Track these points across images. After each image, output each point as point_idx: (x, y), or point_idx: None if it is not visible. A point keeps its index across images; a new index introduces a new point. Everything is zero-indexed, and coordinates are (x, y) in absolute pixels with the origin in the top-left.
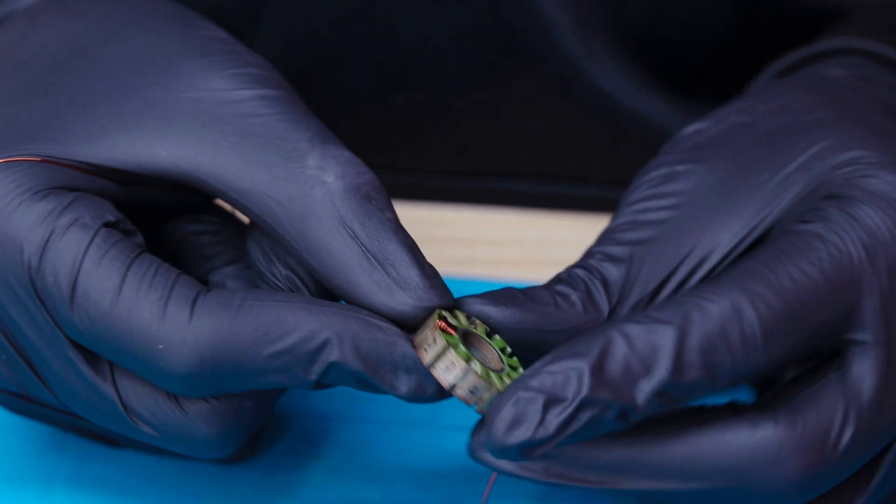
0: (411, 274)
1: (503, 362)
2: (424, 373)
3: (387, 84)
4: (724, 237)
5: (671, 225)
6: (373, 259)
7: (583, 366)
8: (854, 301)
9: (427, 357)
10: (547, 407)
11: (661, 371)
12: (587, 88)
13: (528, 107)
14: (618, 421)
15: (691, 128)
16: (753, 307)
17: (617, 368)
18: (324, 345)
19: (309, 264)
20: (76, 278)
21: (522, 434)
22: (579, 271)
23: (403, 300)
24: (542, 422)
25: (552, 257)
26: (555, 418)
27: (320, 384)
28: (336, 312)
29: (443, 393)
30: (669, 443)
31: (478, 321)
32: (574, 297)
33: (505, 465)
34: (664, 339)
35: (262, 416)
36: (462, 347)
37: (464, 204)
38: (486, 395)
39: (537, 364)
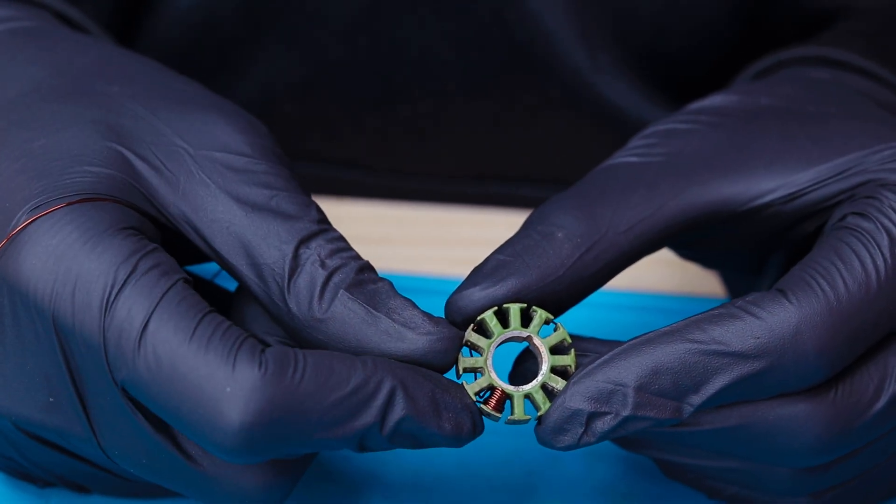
0: (415, 313)
1: (543, 354)
2: (462, 408)
3: (391, 95)
4: (726, 188)
5: (669, 167)
6: (377, 314)
7: (630, 381)
8: None
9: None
10: (591, 419)
11: (710, 389)
12: (591, 99)
13: (532, 117)
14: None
15: (693, 104)
16: (812, 332)
17: (666, 386)
18: (380, 386)
19: (312, 336)
20: (150, 319)
21: (568, 441)
22: (562, 203)
23: (416, 338)
24: (585, 432)
25: None
26: (599, 429)
27: (364, 447)
28: (381, 360)
29: (476, 429)
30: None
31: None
32: (559, 234)
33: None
34: (718, 361)
35: (308, 462)
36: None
37: (465, 205)
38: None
39: (590, 368)
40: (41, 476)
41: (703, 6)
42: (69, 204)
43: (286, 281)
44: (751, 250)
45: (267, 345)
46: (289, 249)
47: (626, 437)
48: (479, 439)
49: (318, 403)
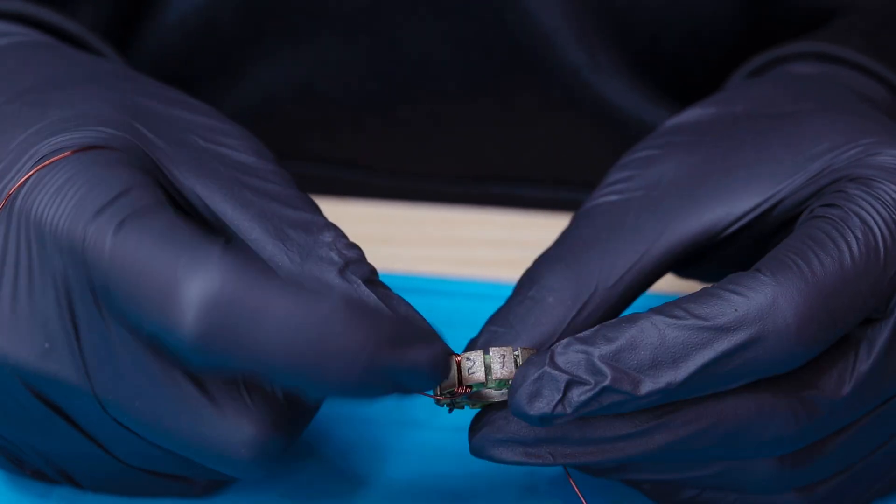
0: (425, 325)
1: None
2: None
3: (391, 96)
4: (705, 215)
5: (649, 203)
6: (390, 313)
7: (608, 352)
8: (887, 280)
9: (452, 383)
10: (569, 387)
11: (690, 367)
12: (591, 99)
13: (532, 118)
14: (640, 407)
15: (670, 121)
16: (790, 304)
17: (644, 360)
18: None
19: None
20: (123, 223)
21: (543, 407)
22: (551, 264)
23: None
24: (562, 400)
25: None
26: (575, 398)
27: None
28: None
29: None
30: (672, 412)
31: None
32: (550, 298)
33: (509, 456)
34: (697, 335)
35: (298, 429)
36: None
37: (465, 205)
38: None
39: (568, 340)
40: (31, 460)
41: (702, 6)
42: (80, 150)
43: (300, 262)
44: (739, 264)
45: None
46: (302, 234)
47: (602, 465)
48: None
49: (282, 309)
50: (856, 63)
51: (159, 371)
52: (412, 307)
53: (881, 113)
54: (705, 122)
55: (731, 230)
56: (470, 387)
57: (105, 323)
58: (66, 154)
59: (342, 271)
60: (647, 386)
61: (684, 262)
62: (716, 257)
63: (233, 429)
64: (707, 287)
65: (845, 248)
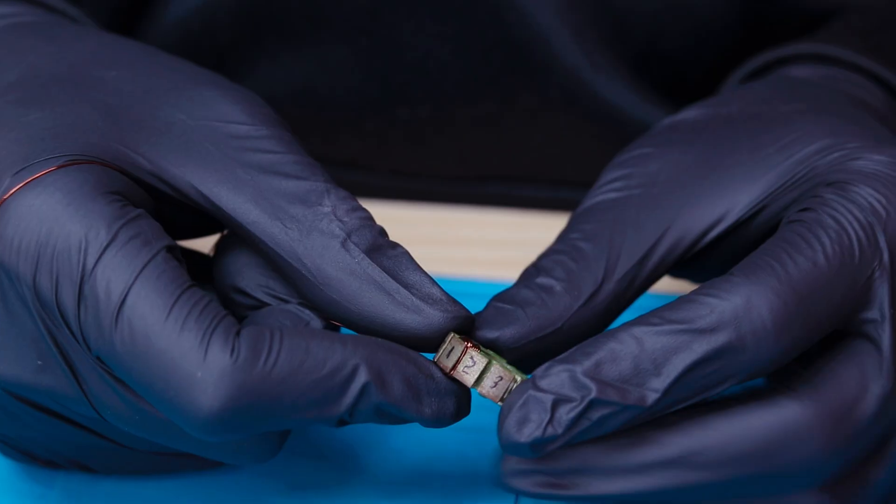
0: (434, 291)
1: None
2: (445, 392)
3: (391, 97)
4: (706, 213)
5: (649, 200)
6: (395, 283)
7: (589, 366)
8: (862, 281)
9: (448, 364)
10: (556, 406)
11: (672, 371)
12: (589, 99)
13: (530, 118)
14: (635, 422)
15: (666, 120)
16: (764, 302)
17: (625, 367)
18: (356, 371)
19: (326, 296)
20: (128, 292)
21: (532, 431)
22: (556, 257)
23: (433, 314)
24: (551, 420)
25: None
26: (564, 416)
27: (343, 421)
28: (363, 340)
29: (459, 413)
30: (694, 434)
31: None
32: (557, 287)
33: (533, 487)
34: (675, 339)
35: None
36: (483, 350)
37: (465, 205)
38: (512, 387)
39: (548, 364)
40: (42, 454)
41: (700, 6)
42: (57, 168)
43: (300, 240)
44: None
45: (258, 302)
46: (300, 208)
47: (636, 497)
48: (479, 437)
49: (292, 388)
50: (854, 64)
51: (140, 404)
52: (421, 271)
53: (872, 117)
54: (700, 121)
55: (725, 227)
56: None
57: (87, 363)
58: (36, 176)
59: (345, 244)
60: (633, 395)
61: (682, 261)
62: (709, 259)
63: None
64: (682, 295)
65: (818, 247)
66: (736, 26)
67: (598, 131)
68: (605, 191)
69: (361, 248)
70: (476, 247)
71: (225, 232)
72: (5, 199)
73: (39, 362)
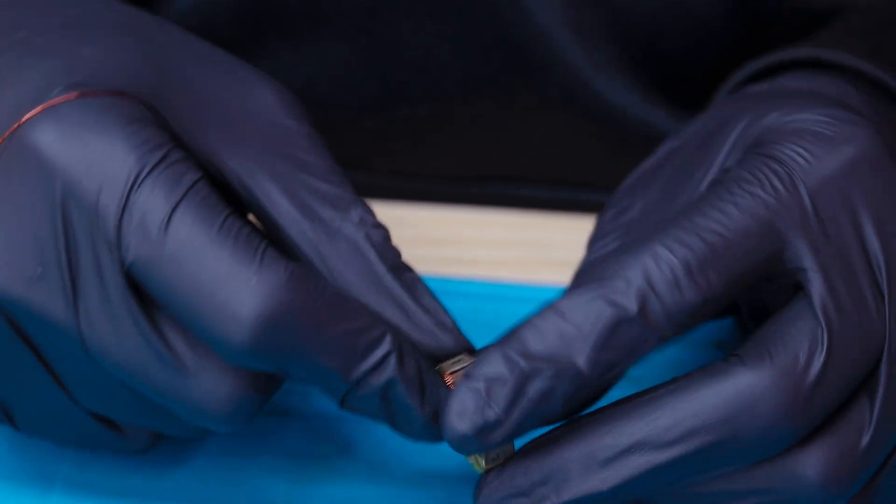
0: (447, 320)
1: None
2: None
3: (390, 96)
4: None
5: (626, 246)
6: (414, 304)
7: (515, 345)
8: (784, 231)
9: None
10: (490, 389)
11: (597, 329)
12: (590, 99)
13: (530, 117)
14: (574, 394)
15: (636, 171)
16: (670, 250)
17: (551, 338)
18: (383, 338)
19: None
20: (178, 203)
21: (473, 417)
22: None
23: (445, 340)
24: (487, 402)
25: (553, 258)
26: (499, 394)
27: (348, 395)
28: (386, 321)
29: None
30: (650, 415)
31: None
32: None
33: None
34: (593, 303)
35: (275, 385)
36: None
37: (465, 205)
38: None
39: (478, 352)
40: None
41: (701, 5)
42: (107, 93)
43: (327, 242)
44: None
45: None
46: (330, 212)
47: (616, 494)
48: None
49: (330, 325)
50: (852, 68)
51: (147, 326)
52: (436, 299)
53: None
54: (660, 160)
55: None
56: None
57: (106, 271)
58: (93, 91)
59: (369, 255)
60: (562, 361)
61: None
62: None
63: (210, 386)
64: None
65: (728, 198)
66: (736, 26)
67: (598, 131)
68: (595, 252)
69: (385, 263)
70: (476, 247)
71: None
72: (59, 102)
73: (39, 269)
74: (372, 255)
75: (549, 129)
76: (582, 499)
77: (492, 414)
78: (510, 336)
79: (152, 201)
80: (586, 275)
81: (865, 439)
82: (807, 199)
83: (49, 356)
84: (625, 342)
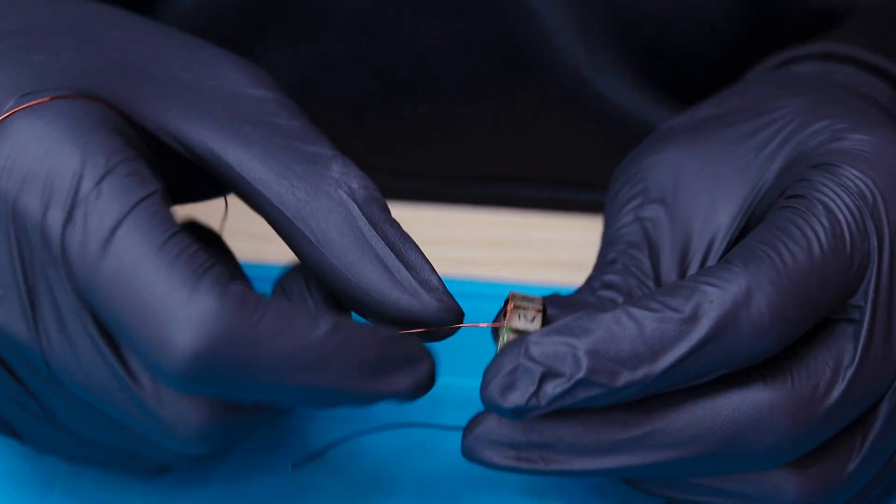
0: (432, 278)
1: None
2: (418, 358)
3: (391, 94)
4: (723, 221)
5: (669, 215)
6: (397, 261)
7: (586, 344)
8: (853, 269)
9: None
10: (544, 379)
11: (668, 359)
12: (591, 99)
13: (531, 117)
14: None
15: (666, 124)
16: (763, 294)
17: (622, 352)
18: (337, 351)
19: (326, 261)
20: (121, 222)
21: (517, 399)
22: (612, 277)
23: (429, 301)
24: (536, 392)
25: (553, 259)
26: (549, 391)
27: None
28: (344, 321)
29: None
30: (668, 414)
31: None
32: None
33: (501, 459)
34: (673, 327)
35: (256, 423)
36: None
37: (465, 205)
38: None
39: (545, 330)
40: None
41: (706, 5)
42: (60, 97)
43: (307, 200)
44: None
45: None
46: (308, 169)
47: (599, 475)
48: None
49: (273, 349)
50: (864, 62)
51: (104, 347)
52: (422, 255)
53: (868, 105)
54: (699, 122)
55: (722, 247)
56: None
57: (57, 290)
58: (43, 99)
59: (351, 211)
60: (623, 378)
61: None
62: None
63: (175, 408)
64: (679, 280)
65: (813, 237)
66: (741, 26)
67: (599, 130)
68: (625, 213)
69: (368, 219)
70: (476, 247)
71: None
72: (6, 118)
73: (1, 291)
74: (354, 210)
75: (549, 128)
76: (575, 472)
77: (535, 403)
78: (583, 329)
79: (95, 217)
80: (619, 258)
81: (851, 466)
82: (873, 238)
83: (24, 378)
84: (691, 372)
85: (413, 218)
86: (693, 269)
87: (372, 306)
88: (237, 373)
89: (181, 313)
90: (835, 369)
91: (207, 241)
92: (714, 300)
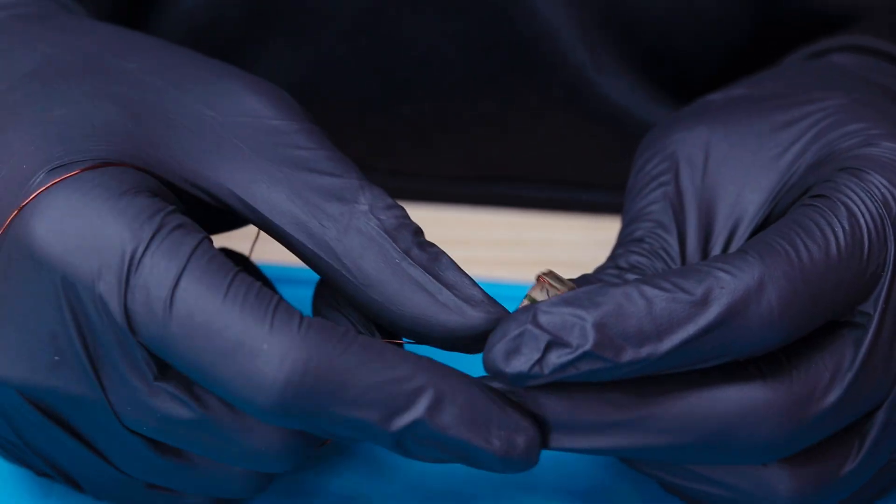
0: (475, 293)
1: None
2: (517, 427)
3: (394, 94)
4: (748, 208)
5: (697, 195)
6: (437, 283)
7: (595, 317)
8: (867, 276)
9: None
10: (549, 347)
11: (674, 339)
12: (594, 99)
13: (533, 117)
14: (619, 377)
15: (700, 100)
16: (775, 287)
17: (629, 328)
18: (424, 388)
19: (367, 296)
20: (181, 276)
21: (520, 365)
22: (640, 259)
23: (476, 315)
24: (540, 360)
25: (553, 259)
26: (553, 360)
27: (401, 443)
28: (429, 362)
29: (529, 451)
30: (664, 400)
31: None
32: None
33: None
34: (682, 308)
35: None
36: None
37: (465, 205)
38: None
39: (555, 299)
40: (38, 465)
41: (711, 7)
42: (89, 168)
43: (339, 239)
44: None
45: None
46: (337, 206)
47: (590, 452)
48: None
49: (357, 380)
50: (890, 54)
51: (180, 395)
52: (461, 271)
53: None
54: (733, 102)
55: (749, 230)
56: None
57: (123, 350)
58: (74, 173)
59: (384, 243)
60: (628, 354)
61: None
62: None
63: (261, 433)
64: (695, 263)
65: (832, 238)
66: (743, 27)
67: (600, 131)
68: (654, 187)
69: (401, 248)
70: (476, 247)
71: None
72: (40, 193)
73: (56, 358)
74: (387, 243)
75: (549, 129)
76: (561, 448)
77: (537, 372)
78: (593, 302)
79: (153, 279)
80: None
81: (845, 470)
82: (893, 247)
83: (85, 433)
84: (695, 356)
85: (413, 218)
86: (715, 252)
87: (422, 333)
88: (325, 402)
89: (266, 347)
90: (834, 373)
91: (245, 268)
92: (726, 286)
